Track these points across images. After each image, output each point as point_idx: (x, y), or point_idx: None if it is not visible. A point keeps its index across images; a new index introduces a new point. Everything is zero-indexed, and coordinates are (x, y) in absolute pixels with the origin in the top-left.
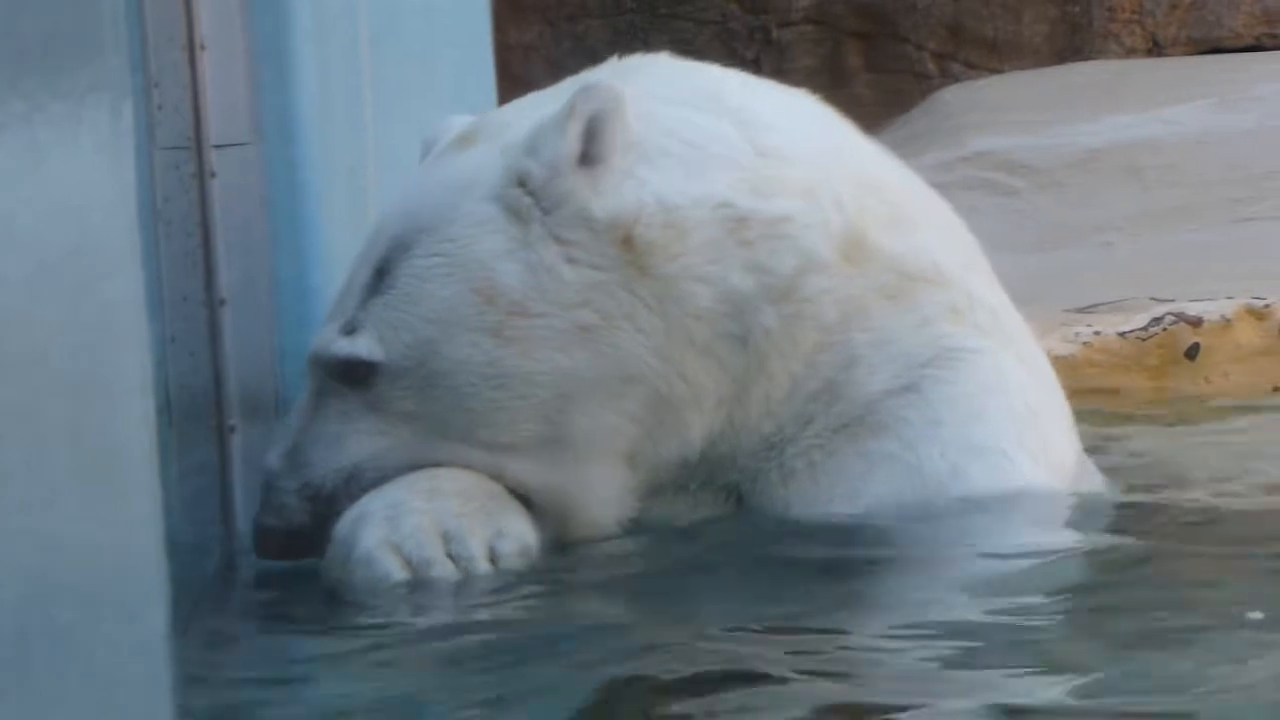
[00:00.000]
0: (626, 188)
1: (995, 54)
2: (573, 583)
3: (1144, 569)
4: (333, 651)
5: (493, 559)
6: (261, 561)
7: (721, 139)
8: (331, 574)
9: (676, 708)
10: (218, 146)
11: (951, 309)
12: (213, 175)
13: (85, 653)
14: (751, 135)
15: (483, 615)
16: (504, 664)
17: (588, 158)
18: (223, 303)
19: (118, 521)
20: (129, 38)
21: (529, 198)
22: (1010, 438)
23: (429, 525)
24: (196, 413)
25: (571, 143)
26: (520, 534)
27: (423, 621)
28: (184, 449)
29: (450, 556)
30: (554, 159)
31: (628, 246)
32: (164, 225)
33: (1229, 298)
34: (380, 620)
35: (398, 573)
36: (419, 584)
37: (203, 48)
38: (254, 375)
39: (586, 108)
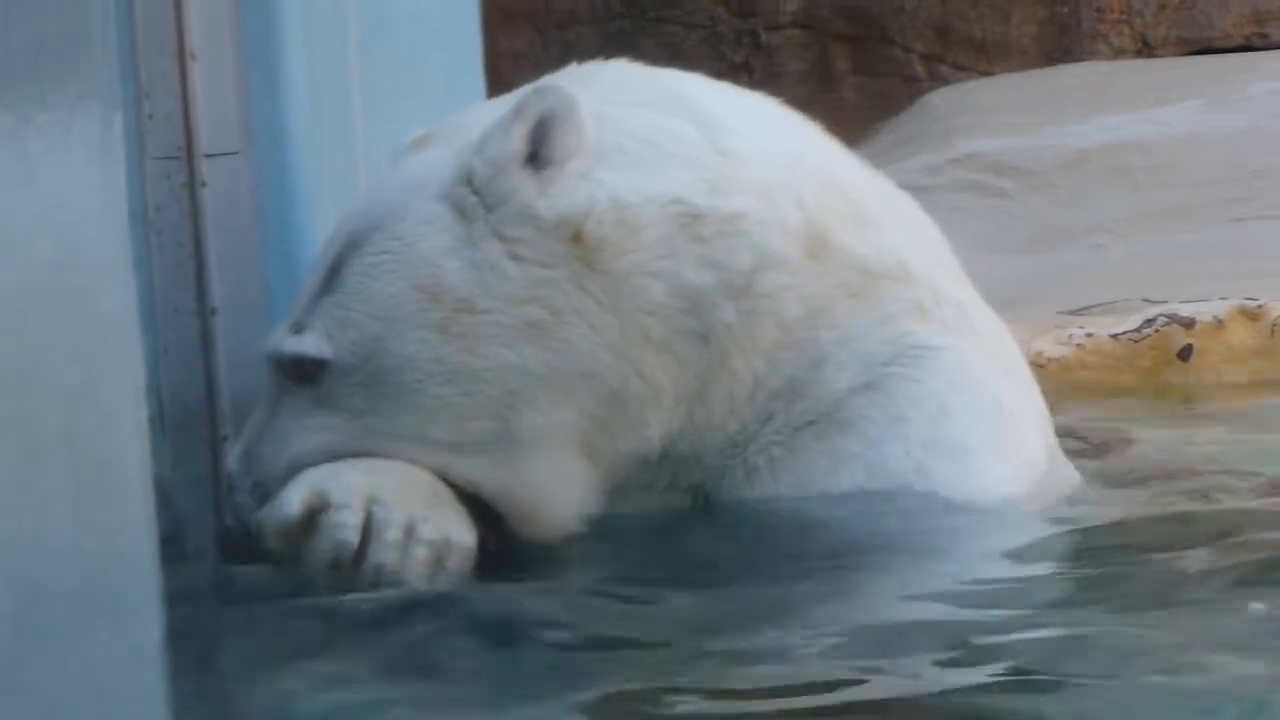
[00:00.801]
0: (580, 188)
1: (984, 56)
2: (535, 584)
3: (1111, 567)
4: (324, 659)
5: (409, 534)
6: (256, 568)
7: (680, 139)
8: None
9: (642, 709)
10: (208, 156)
11: (917, 306)
12: (203, 185)
13: (80, 661)
14: (711, 136)
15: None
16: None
17: (538, 158)
18: (215, 312)
19: (111, 530)
20: (118, 47)
21: (474, 196)
22: (977, 435)
23: (360, 489)
24: (190, 422)
25: (516, 141)
26: (445, 528)
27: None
28: (177, 458)
29: (370, 519)
30: (497, 157)
31: (577, 243)
32: (155, 235)
33: (1221, 298)
34: (352, 628)
35: (296, 509)
36: (325, 537)
37: (193, 57)
38: (247, 384)
39: (535, 108)
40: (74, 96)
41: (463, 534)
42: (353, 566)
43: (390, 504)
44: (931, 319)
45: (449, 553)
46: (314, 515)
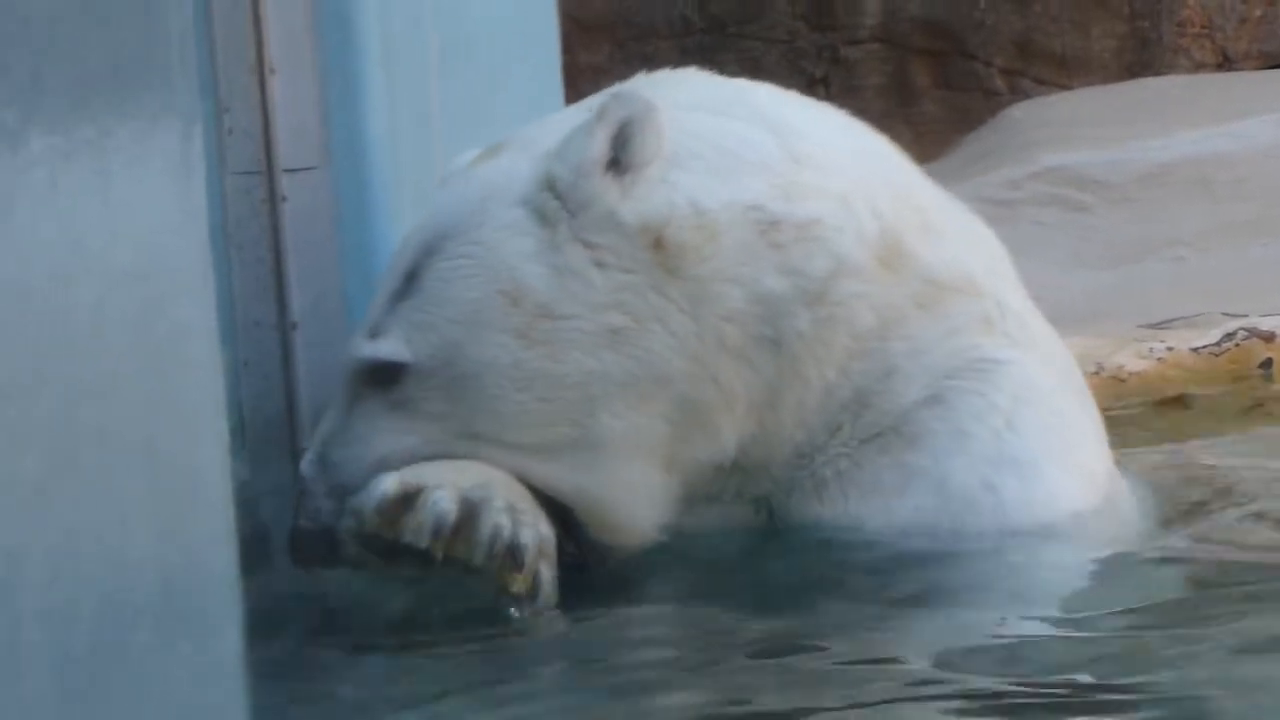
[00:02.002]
0: (658, 192)
1: (1064, 70)
2: (592, 602)
3: (1184, 591)
4: (396, 675)
5: (512, 511)
6: (327, 579)
7: (755, 145)
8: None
9: None
10: (288, 171)
11: (983, 319)
12: (283, 199)
13: (160, 673)
14: (785, 141)
15: (503, 633)
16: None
17: (618, 164)
18: (294, 326)
19: (191, 542)
20: (197, 62)
21: (556, 201)
22: (1042, 449)
23: (449, 478)
24: (270, 435)
25: (599, 146)
26: (535, 524)
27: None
28: (258, 471)
29: (466, 501)
30: (580, 162)
31: (659, 248)
32: (236, 250)
33: None
34: (420, 641)
35: (394, 488)
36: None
37: (272, 72)
38: (326, 398)
39: (617, 114)
40: (153, 110)
41: (547, 527)
42: (454, 538)
43: (486, 486)
44: (996, 332)
45: (544, 546)
46: (410, 497)
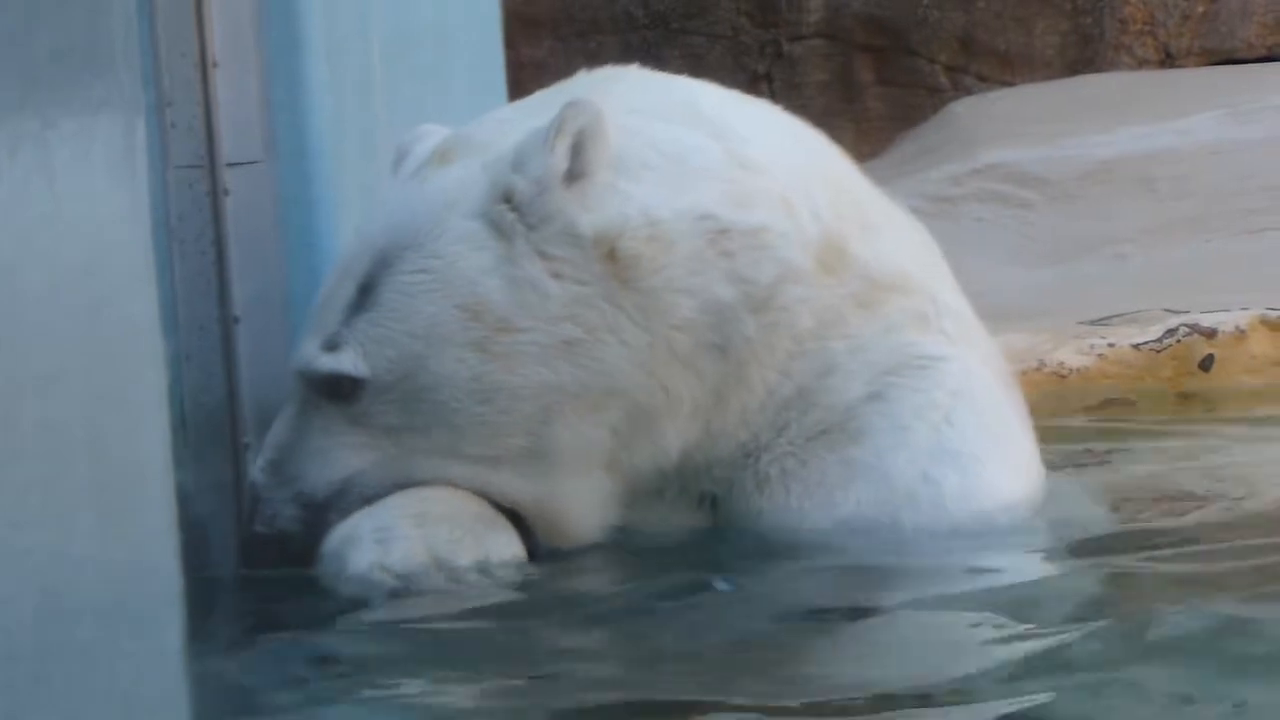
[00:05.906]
0: (610, 202)
1: (1007, 66)
2: (542, 603)
3: (1116, 584)
4: (338, 660)
5: (484, 573)
6: (271, 572)
7: (701, 151)
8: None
9: None
10: (231, 165)
11: (918, 316)
12: (226, 193)
13: (103, 667)
14: (730, 147)
15: (464, 628)
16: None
17: (572, 173)
18: (237, 320)
19: (133, 537)
20: (141, 55)
21: (514, 214)
22: (980, 443)
23: (420, 550)
24: (211, 430)
25: (560, 159)
26: (509, 553)
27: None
28: (199, 465)
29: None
30: (542, 176)
31: (612, 260)
32: (178, 244)
33: (1243, 308)
34: (377, 632)
35: (392, 585)
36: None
37: (215, 66)
38: (268, 392)
39: (574, 124)
40: (96, 102)
41: (517, 549)
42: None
43: (456, 560)
44: (932, 329)
45: (514, 570)
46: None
